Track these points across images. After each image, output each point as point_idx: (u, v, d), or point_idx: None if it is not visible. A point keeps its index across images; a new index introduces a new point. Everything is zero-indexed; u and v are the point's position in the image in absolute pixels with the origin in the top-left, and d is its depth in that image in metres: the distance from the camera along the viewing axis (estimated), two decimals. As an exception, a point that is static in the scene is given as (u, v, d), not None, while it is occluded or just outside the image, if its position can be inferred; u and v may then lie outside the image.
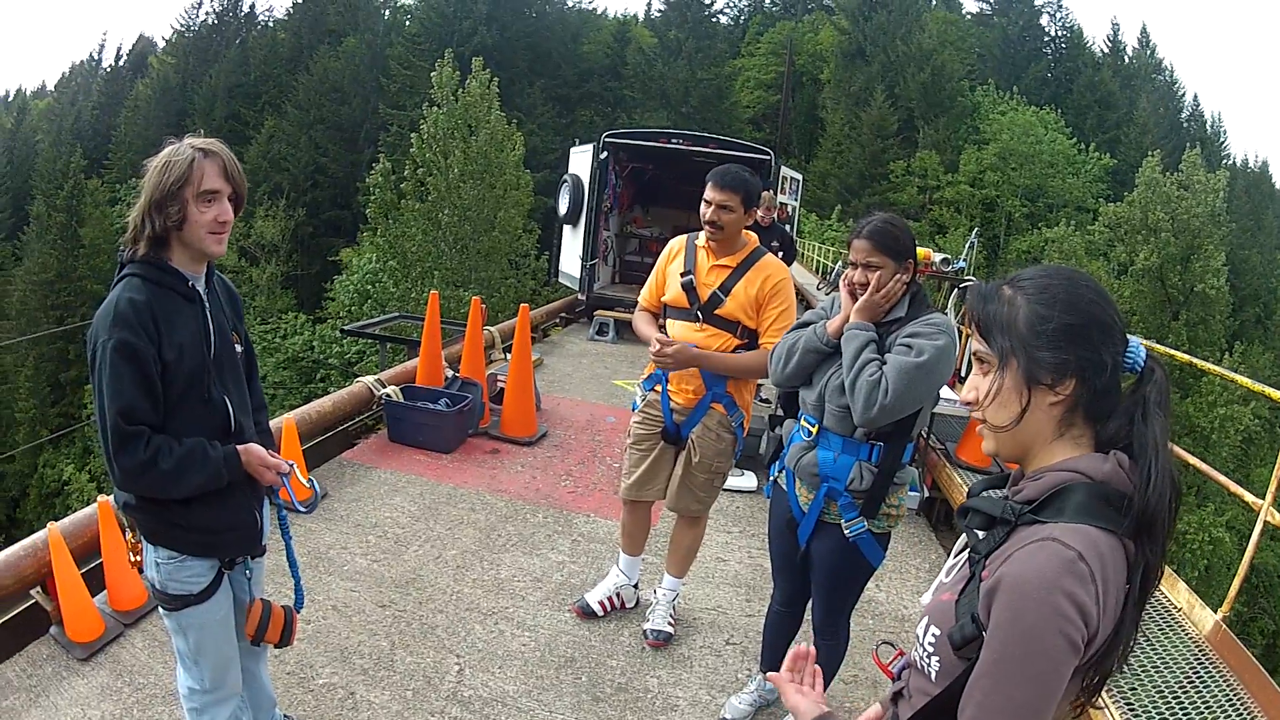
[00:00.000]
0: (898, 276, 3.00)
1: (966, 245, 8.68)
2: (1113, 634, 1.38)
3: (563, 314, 14.65)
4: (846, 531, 3.16)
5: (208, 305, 2.60)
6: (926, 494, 6.65)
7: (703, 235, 4.01)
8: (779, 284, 3.89)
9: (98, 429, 2.45)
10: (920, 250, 7.64)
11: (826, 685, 3.52)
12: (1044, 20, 61.59)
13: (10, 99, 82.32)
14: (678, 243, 4.18)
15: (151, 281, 2.47)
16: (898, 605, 4.90)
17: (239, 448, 2.61)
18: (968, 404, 1.59)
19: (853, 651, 3.64)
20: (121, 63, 67.73)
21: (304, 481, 2.79)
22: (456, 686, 3.95)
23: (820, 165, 49.91)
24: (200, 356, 2.54)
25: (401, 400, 7.26)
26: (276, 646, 2.89)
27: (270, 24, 61.90)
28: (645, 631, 4.36)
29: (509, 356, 8.07)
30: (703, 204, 3.86)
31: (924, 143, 49.71)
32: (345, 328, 15.06)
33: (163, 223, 2.43)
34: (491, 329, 9.84)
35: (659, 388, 4.16)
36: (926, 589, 1.76)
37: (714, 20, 59.19)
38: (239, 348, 2.77)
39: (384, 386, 7.47)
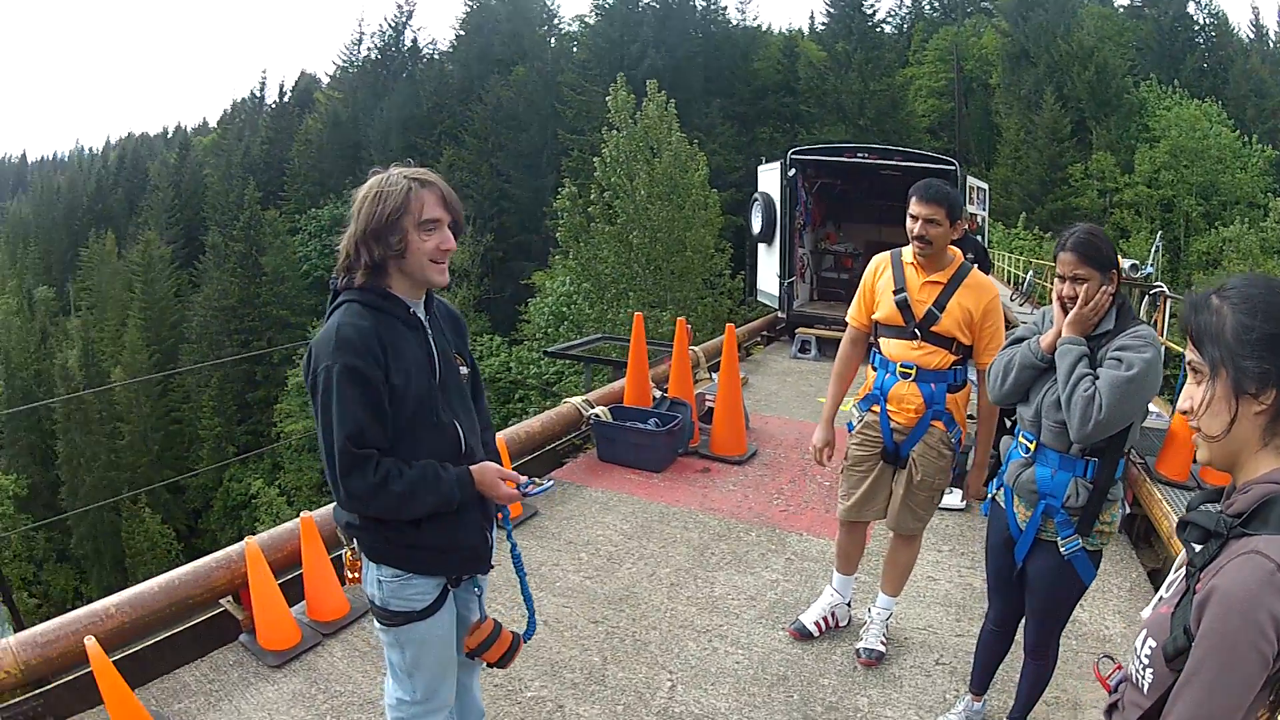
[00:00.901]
0: (1104, 288, 2.97)
1: (1152, 249, 8.30)
2: None
3: (764, 332, 14.60)
4: (1062, 549, 3.14)
5: (430, 331, 2.63)
6: (1127, 510, 6.35)
7: (908, 251, 4.00)
8: (991, 302, 3.88)
9: (323, 453, 2.48)
10: None
11: (1031, 707, 3.49)
12: (1191, 8, 57.78)
13: (170, 136, 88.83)
14: (882, 259, 4.16)
15: (373, 308, 2.50)
16: (1099, 625, 4.73)
17: (472, 467, 2.62)
18: (1184, 413, 1.60)
19: (1056, 673, 3.54)
20: (287, 99, 71.77)
21: (540, 483, 2.72)
22: (668, 702, 4.01)
23: (1001, 172, 48.25)
24: (427, 381, 2.56)
25: (611, 420, 7.41)
26: (492, 666, 2.91)
27: (436, 56, 64.39)
28: (859, 650, 4.33)
29: (714, 376, 8.13)
30: (909, 219, 3.85)
31: (1098, 144, 47.39)
32: (549, 349, 15.48)
33: (382, 252, 2.46)
34: (696, 349, 9.93)
35: (877, 408, 4.13)
36: (1128, 608, 1.76)
37: (878, 30, 58.07)
38: (464, 370, 2.80)
39: (592, 407, 7.62)
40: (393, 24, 65.18)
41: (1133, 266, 7.89)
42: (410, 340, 2.55)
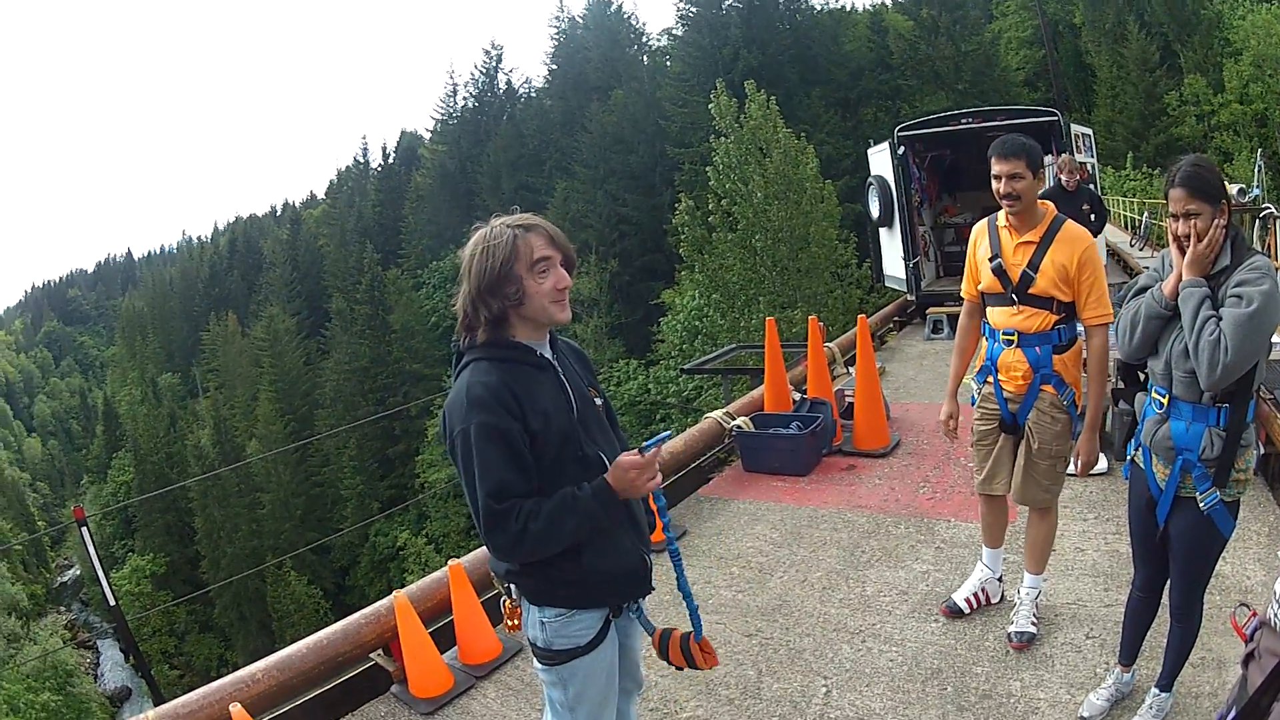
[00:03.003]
0: (1216, 222, 2.90)
1: (1255, 170, 7.88)
2: None
3: (895, 317, 14.52)
4: (1201, 504, 3.07)
5: (559, 370, 2.65)
6: (1262, 450, 6.00)
7: (1001, 215, 3.99)
8: (1086, 252, 3.82)
9: (471, 511, 2.51)
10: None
11: (1178, 671, 3.41)
12: None
13: (280, 213, 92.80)
14: (980, 228, 4.18)
15: (500, 360, 2.53)
16: (1241, 576, 4.55)
17: (607, 473, 2.56)
18: None
19: (1200, 633, 3.43)
20: (391, 159, 73.85)
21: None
22: (824, 709, 4.03)
23: (1102, 114, 46.04)
24: (566, 419, 2.58)
25: (753, 430, 7.45)
26: (689, 668, 2.86)
27: (533, 94, 65.33)
28: (1010, 634, 4.27)
29: (851, 370, 8.09)
30: (993, 181, 3.85)
31: (1187, 67, 44.88)
32: (684, 367, 15.54)
33: (500, 305, 2.49)
34: (831, 345, 9.87)
35: (991, 379, 4.15)
36: (1268, 555, 1.70)
37: None
38: (598, 401, 2.82)
39: (733, 419, 7.67)
40: (484, 70, 66.83)
41: (1240, 191, 7.56)
42: (542, 383, 2.59)
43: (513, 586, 2.74)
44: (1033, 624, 4.27)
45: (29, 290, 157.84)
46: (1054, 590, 4.66)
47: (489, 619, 4.82)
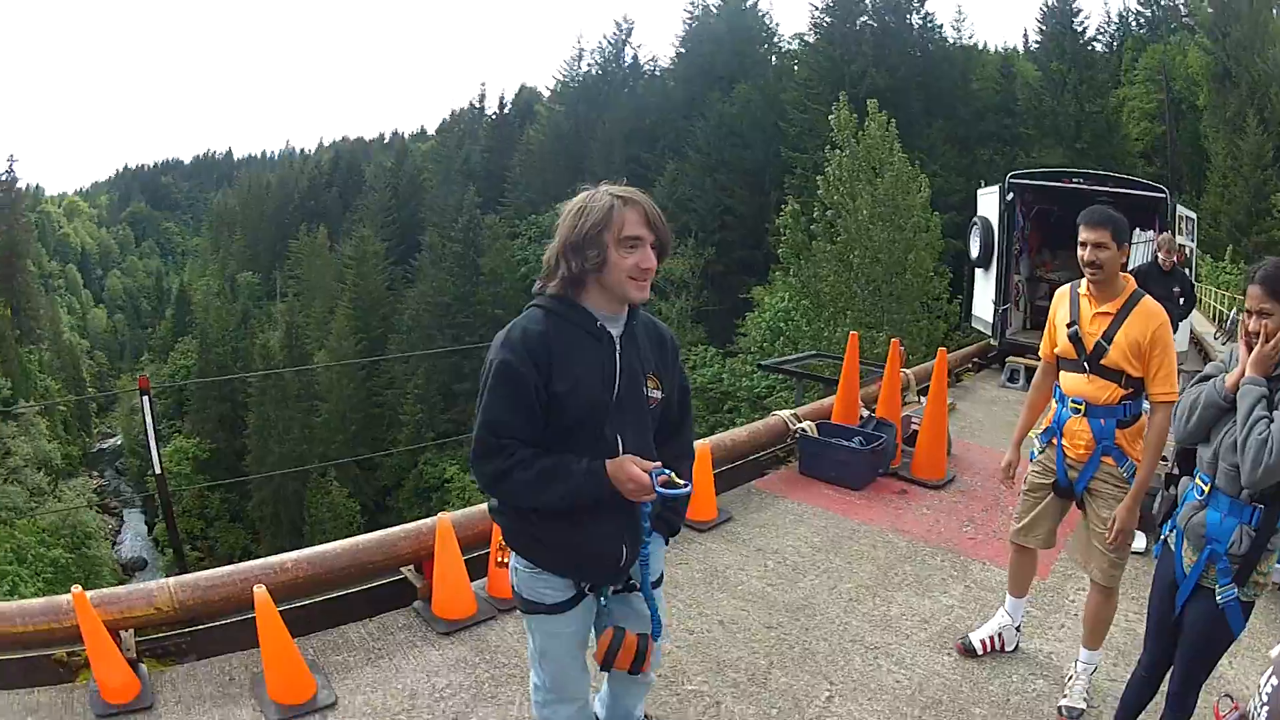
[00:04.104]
0: None
1: None
2: None
3: (975, 359, 14.38)
4: (1218, 597, 3.13)
5: (619, 347, 2.68)
6: None
7: (1084, 283, 4.06)
8: (1158, 330, 3.86)
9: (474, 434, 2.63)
10: None
11: None
12: None
13: (387, 141, 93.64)
14: (1062, 292, 4.25)
15: (555, 314, 2.62)
16: (1243, 684, 4.55)
17: (609, 460, 2.61)
18: None
19: None
20: (507, 110, 74.36)
21: (679, 481, 2.59)
22: (822, 712, 4.16)
23: (1211, 201, 44.23)
24: (599, 394, 2.63)
25: (817, 436, 7.58)
26: (630, 673, 2.85)
27: (658, 73, 65.32)
28: (1060, 708, 4.27)
29: (922, 400, 8.15)
30: (1079, 247, 3.93)
31: None
32: (763, 363, 15.59)
33: (580, 264, 2.55)
34: (907, 371, 9.94)
35: (1055, 440, 4.23)
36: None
37: (1090, 49, 54.91)
38: (656, 393, 2.81)
39: (800, 421, 7.79)
40: (612, 41, 66.93)
41: None
42: (591, 351, 2.63)
43: (497, 523, 2.88)
44: (1084, 700, 4.30)
45: (120, 169, 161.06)
46: (1065, 654, 4.73)
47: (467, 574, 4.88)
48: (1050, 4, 53.92)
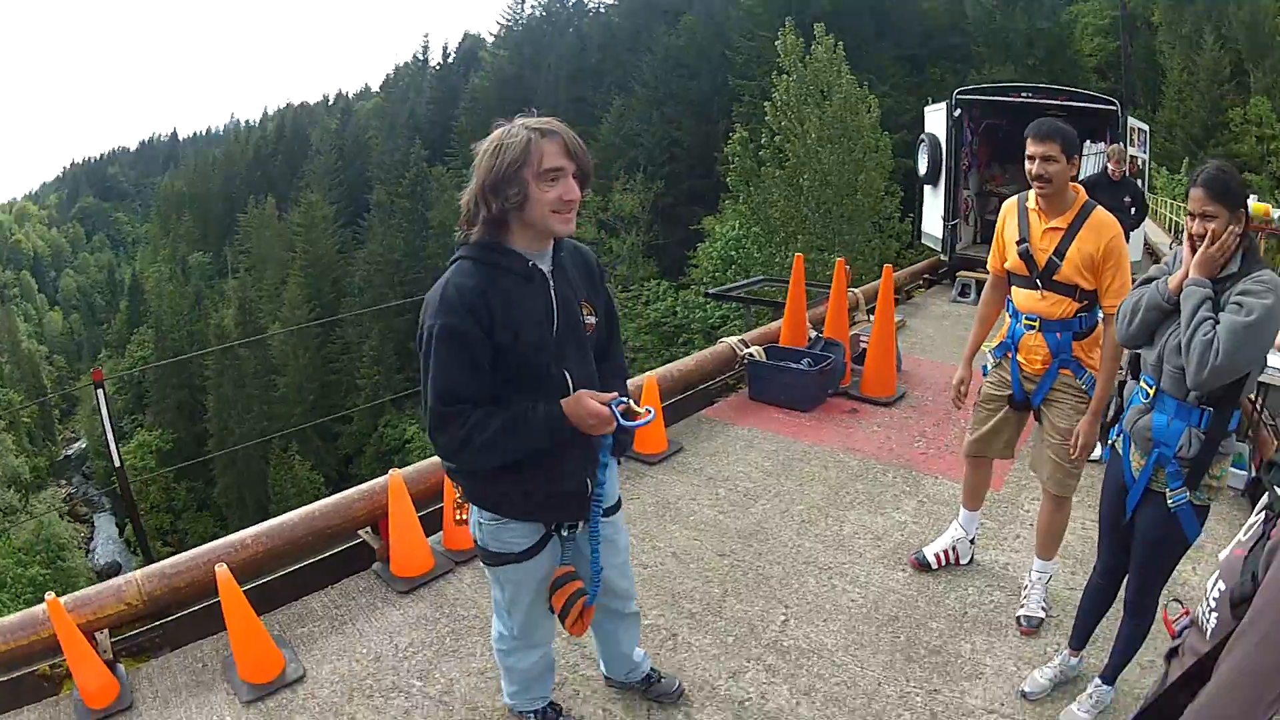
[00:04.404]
0: (1231, 228, 2.88)
1: None
2: None
3: (926, 275, 14.39)
4: (1169, 501, 3.10)
5: (551, 282, 2.62)
6: (1254, 474, 5.97)
7: (1032, 196, 3.97)
8: (1111, 242, 3.80)
9: (422, 405, 2.56)
10: (1259, 206, 7.02)
11: (1123, 666, 3.46)
12: None
13: (331, 103, 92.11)
14: (1009, 206, 4.16)
15: (485, 264, 2.52)
16: (1205, 586, 4.56)
17: (565, 400, 2.58)
18: None
19: (1153, 636, 3.48)
20: (450, 60, 73.66)
21: (639, 410, 2.62)
22: (779, 635, 4.14)
23: (1166, 115, 45.04)
24: (541, 334, 2.57)
25: (765, 360, 7.51)
26: (559, 619, 2.88)
27: (602, 9, 64.97)
28: (1018, 618, 4.29)
29: (871, 318, 8.12)
30: (1027, 161, 3.82)
31: (1255, 87, 43.88)
32: (710, 291, 15.60)
33: (500, 205, 2.44)
34: (855, 290, 9.89)
35: (1010, 354, 4.18)
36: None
37: None
38: (591, 319, 2.77)
39: (747, 346, 7.73)
40: None
41: None
42: (526, 293, 2.56)
43: (456, 482, 2.81)
44: (1042, 609, 4.30)
45: (67, 167, 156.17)
46: (1023, 564, 4.72)
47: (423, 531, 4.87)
48: None
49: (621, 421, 2.57)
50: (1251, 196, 7.51)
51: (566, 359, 2.66)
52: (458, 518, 2.93)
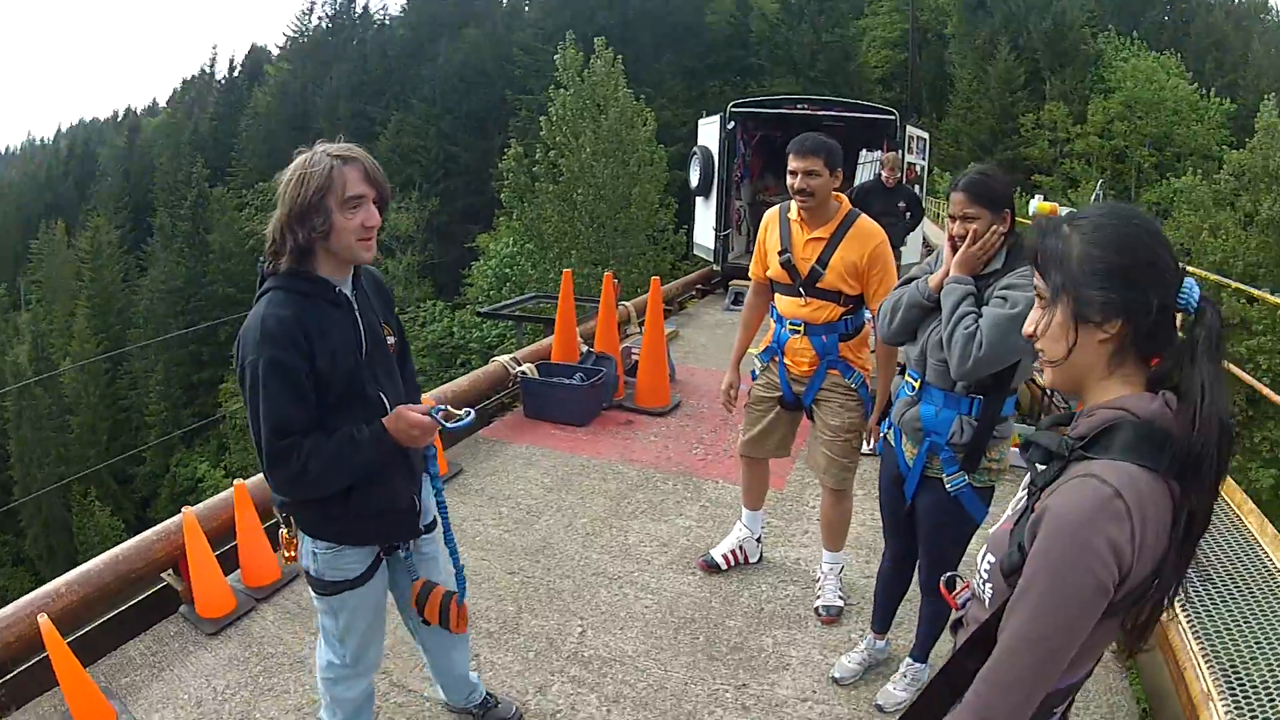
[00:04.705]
0: (994, 228, 2.99)
1: (1093, 198, 8.28)
2: (1153, 574, 1.41)
3: (699, 285, 14.68)
4: (948, 485, 3.18)
5: (356, 307, 2.63)
6: None
7: (794, 207, 4.04)
8: (875, 249, 3.91)
9: (253, 442, 2.51)
10: (1045, 205, 7.50)
11: (932, 643, 3.54)
12: None
13: (120, 119, 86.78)
14: (771, 216, 4.23)
15: (297, 293, 2.50)
16: None
17: (386, 418, 2.61)
18: (1028, 337, 1.61)
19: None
20: (236, 74, 70.69)
21: (458, 414, 2.69)
22: (578, 647, 4.09)
23: (951, 123, 48.48)
24: (354, 360, 2.58)
25: (537, 377, 7.44)
26: (440, 625, 2.92)
27: (387, 22, 63.75)
28: (817, 609, 4.38)
29: (643, 330, 8.18)
30: (789, 176, 3.89)
31: (1051, 94, 47.79)
32: (481, 310, 15.47)
33: (307, 234, 2.44)
34: (627, 304, 9.98)
35: (777, 359, 4.26)
36: None
37: None
38: (391, 339, 2.81)
39: (520, 364, 7.64)
40: None
41: (1069, 215, 7.93)
42: (337, 321, 2.56)
43: (290, 517, 2.75)
44: (840, 598, 4.39)
45: None
46: (814, 558, 4.83)
47: (270, 543, 4.76)
48: None
49: (446, 426, 2.63)
50: (1039, 197, 7.92)
51: (379, 381, 2.69)
52: (286, 555, 2.83)
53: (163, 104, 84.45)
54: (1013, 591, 1.46)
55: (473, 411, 2.72)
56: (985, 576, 1.61)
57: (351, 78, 56.12)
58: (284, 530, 2.78)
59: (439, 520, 3.01)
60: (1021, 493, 1.70)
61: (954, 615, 1.86)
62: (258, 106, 61.01)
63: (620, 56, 27.57)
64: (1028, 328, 1.61)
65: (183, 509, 4.53)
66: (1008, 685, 1.43)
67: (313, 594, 2.84)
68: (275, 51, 71.25)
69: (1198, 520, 1.41)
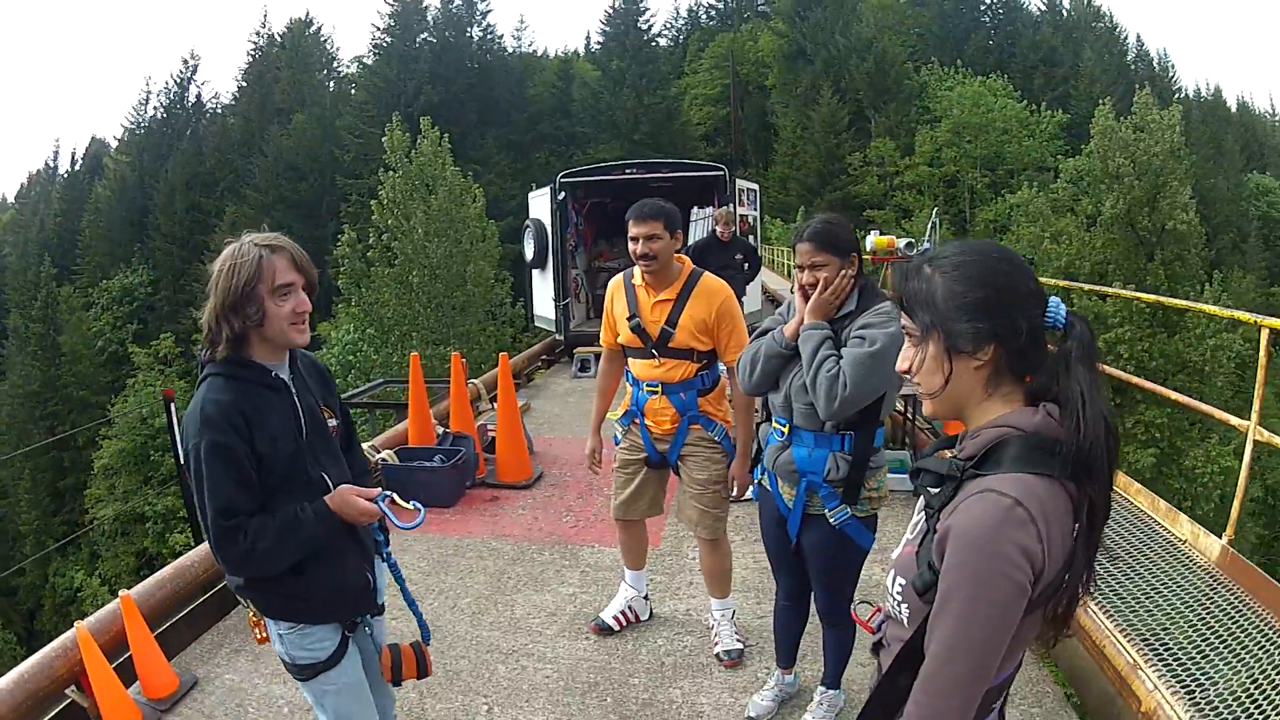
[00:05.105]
0: (844, 272, 3.12)
1: (929, 226, 8.64)
2: (1065, 568, 1.50)
3: (544, 356, 14.75)
4: (832, 520, 3.28)
5: (294, 390, 2.67)
6: None
7: (637, 273, 4.15)
8: (724, 304, 4.06)
9: (201, 525, 2.55)
10: (882, 239, 7.76)
11: (842, 669, 3.62)
12: None
13: None
14: (616, 284, 4.34)
15: (235, 379, 2.54)
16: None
17: (329, 496, 2.63)
18: (903, 374, 1.72)
19: (864, 634, 3.72)
20: (78, 167, 68.35)
21: (404, 505, 2.73)
22: (488, 725, 4.03)
23: (778, 171, 50.08)
24: (294, 442, 2.61)
25: (398, 463, 7.38)
26: (419, 679, 2.94)
27: (219, 110, 62.26)
28: (718, 655, 4.43)
29: (495, 406, 8.20)
30: (630, 243, 4.01)
31: (877, 131, 49.96)
32: (332, 401, 15.13)
33: (241, 323, 2.50)
34: (476, 381, 9.98)
35: (637, 421, 4.34)
36: None
37: (653, 44, 59.42)
38: (333, 422, 2.84)
39: (378, 451, 7.55)
40: (178, 80, 62.86)
41: (908, 245, 8.13)
42: (275, 405, 2.60)
43: (248, 600, 2.75)
44: (738, 641, 4.47)
45: None
46: (704, 607, 4.91)
47: (163, 652, 4.59)
48: (616, 6, 56.67)
49: (389, 516, 2.65)
50: (874, 232, 8.21)
51: (321, 463, 2.69)
52: (256, 637, 2.80)
53: (11, 199, 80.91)
54: (930, 608, 1.54)
55: (423, 510, 2.77)
56: (899, 597, 1.69)
57: (186, 169, 54.74)
58: (250, 613, 2.77)
59: (399, 589, 3.00)
60: (918, 516, 1.78)
61: (873, 639, 1.93)
62: (99, 201, 59.15)
63: (446, 134, 27.69)
64: (902, 364, 1.71)
65: (75, 624, 4.37)
66: (948, 690, 1.51)
67: (300, 685, 2.83)
68: (114, 143, 69.03)
69: (1098, 512, 1.53)
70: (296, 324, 2.58)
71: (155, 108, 63.00)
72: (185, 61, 72.53)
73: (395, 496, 2.70)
